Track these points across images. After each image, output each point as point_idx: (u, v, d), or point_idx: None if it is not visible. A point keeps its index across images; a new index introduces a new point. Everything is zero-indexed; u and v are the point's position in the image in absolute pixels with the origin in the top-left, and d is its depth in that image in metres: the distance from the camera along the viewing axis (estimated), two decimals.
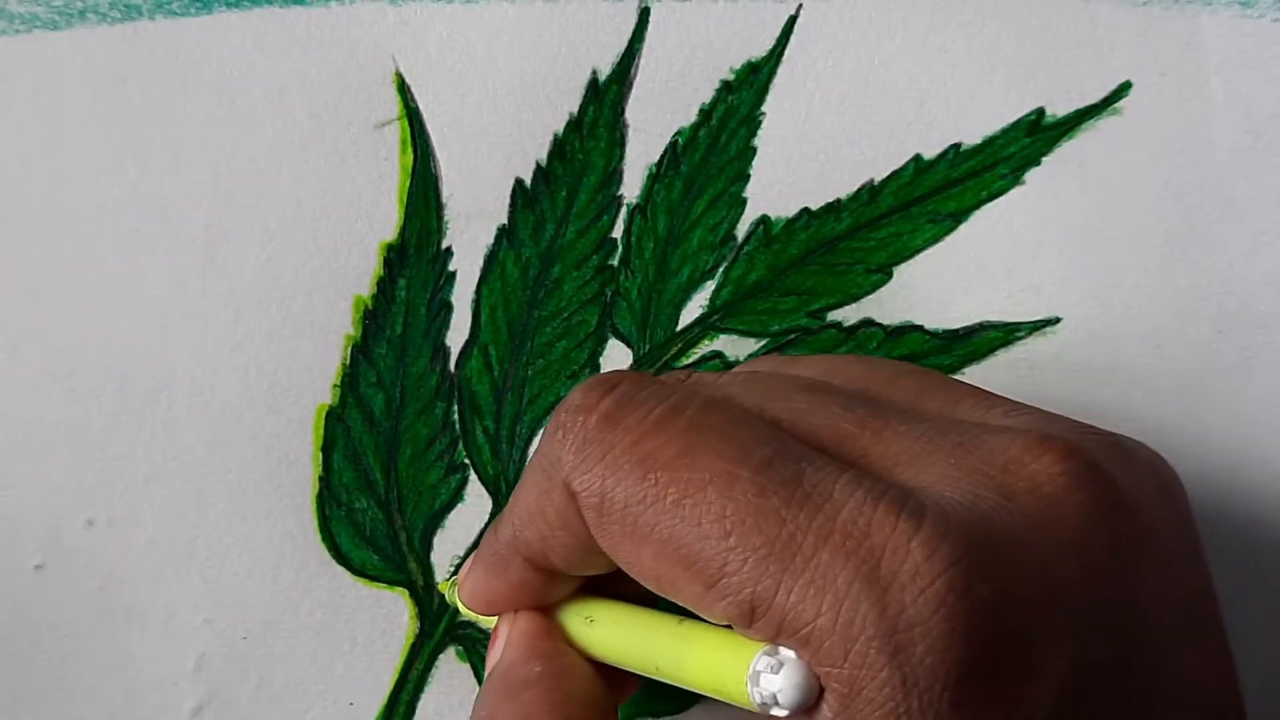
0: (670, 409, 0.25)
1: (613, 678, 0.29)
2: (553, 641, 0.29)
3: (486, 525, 0.34)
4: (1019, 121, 0.34)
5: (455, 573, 0.34)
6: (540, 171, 0.34)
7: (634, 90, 0.34)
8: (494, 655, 0.30)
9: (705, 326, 0.34)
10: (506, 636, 0.29)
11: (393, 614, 0.34)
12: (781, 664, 0.23)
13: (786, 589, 0.23)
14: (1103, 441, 0.26)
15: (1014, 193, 0.34)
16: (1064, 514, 0.24)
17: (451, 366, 0.34)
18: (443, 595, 0.34)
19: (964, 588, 0.22)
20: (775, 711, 0.24)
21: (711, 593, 0.24)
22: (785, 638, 0.23)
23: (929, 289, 0.34)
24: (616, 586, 0.29)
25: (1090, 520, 0.24)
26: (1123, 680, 0.24)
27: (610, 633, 0.28)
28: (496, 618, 0.31)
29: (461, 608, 0.32)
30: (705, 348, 0.34)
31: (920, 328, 0.34)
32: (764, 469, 0.24)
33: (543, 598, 0.29)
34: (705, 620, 0.26)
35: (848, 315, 0.34)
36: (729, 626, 0.25)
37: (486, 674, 0.30)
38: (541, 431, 0.28)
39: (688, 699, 0.34)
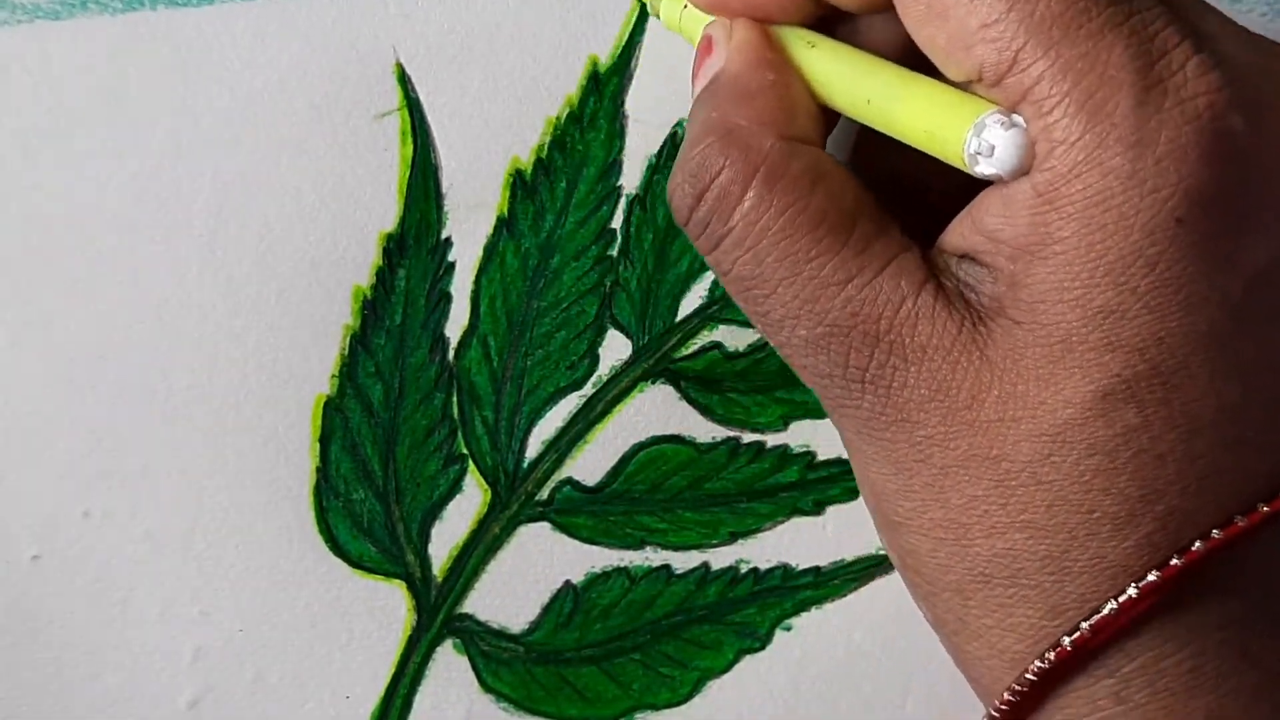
0: None
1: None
2: (778, 55, 0.28)
3: (484, 517, 0.34)
4: None
5: None
6: (540, 163, 0.34)
7: (634, 82, 0.34)
8: (713, 61, 0.29)
9: (704, 317, 0.34)
10: (727, 44, 0.29)
11: (390, 606, 0.34)
12: (1012, 124, 0.23)
13: (1058, 53, 0.23)
14: None
15: None
16: None
17: (450, 357, 0.34)
18: (440, 584, 0.34)
19: (1221, 113, 0.23)
20: (982, 166, 0.24)
21: (980, 32, 0.24)
22: (1029, 102, 0.23)
23: None
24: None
25: None
26: None
27: (830, 58, 0.28)
28: (701, 26, 0.30)
29: (666, 11, 0.31)
30: (705, 338, 0.34)
31: None
32: None
33: (779, 7, 0.28)
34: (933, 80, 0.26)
35: None
36: (962, 87, 0.25)
37: (701, 82, 0.29)
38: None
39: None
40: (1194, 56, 0.23)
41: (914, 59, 0.26)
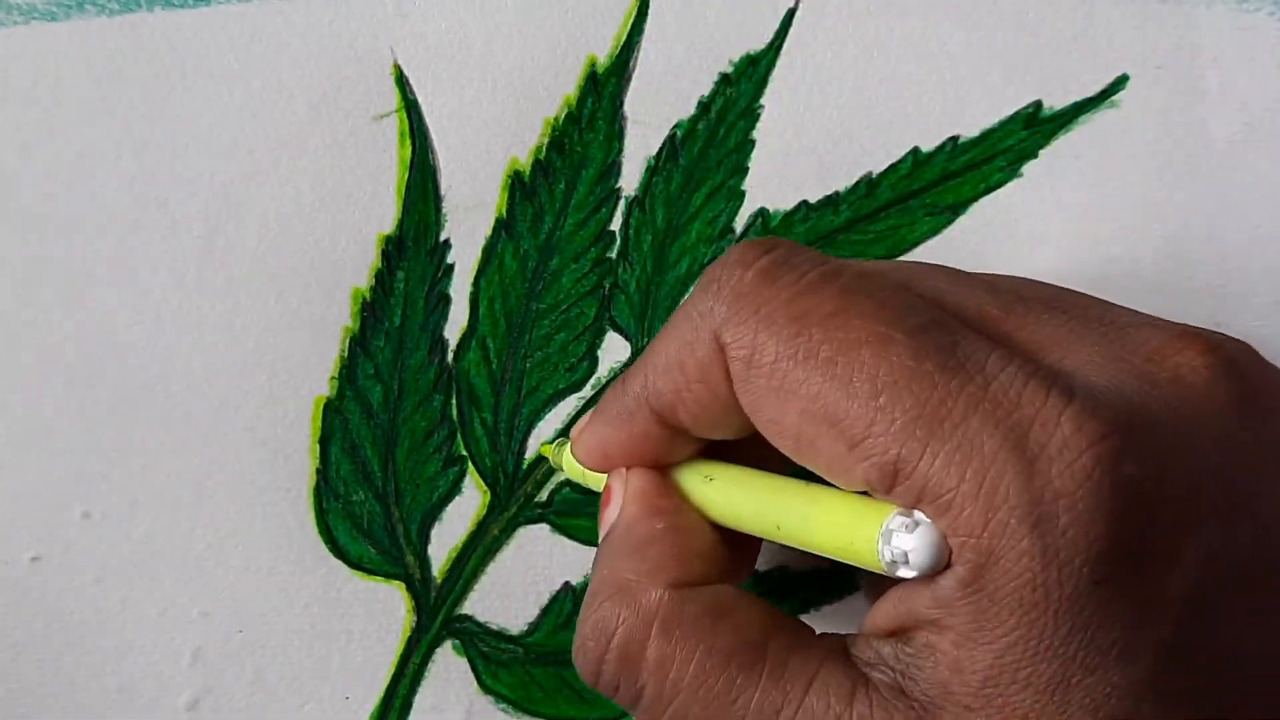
0: (826, 272, 0.25)
1: (730, 552, 0.29)
2: (672, 499, 0.29)
3: (483, 519, 0.34)
4: (1016, 114, 0.34)
5: (556, 439, 0.34)
6: (539, 164, 0.34)
7: (633, 83, 0.34)
8: (610, 514, 0.29)
9: None
10: (623, 494, 0.29)
11: (389, 607, 0.34)
12: (916, 524, 0.23)
13: (933, 453, 0.23)
14: (1239, 344, 0.26)
15: (1011, 185, 0.34)
16: (1207, 405, 0.24)
17: (450, 359, 0.34)
18: (439, 586, 0.34)
19: (1111, 464, 0.23)
20: (902, 571, 0.24)
21: (854, 452, 0.24)
22: (924, 504, 0.23)
23: None
24: (734, 456, 0.29)
25: (1231, 413, 0.24)
26: (1256, 573, 0.24)
27: (730, 491, 0.28)
28: (604, 477, 0.30)
29: (567, 467, 0.32)
30: None
31: None
32: (918, 334, 0.24)
33: (662, 456, 0.29)
34: (833, 487, 0.26)
35: None
36: (862, 494, 0.25)
37: (603, 533, 0.29)
38: (687, 294, 0.27)
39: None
40: (1065, 411, 0.23)
41: None
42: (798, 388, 0.24)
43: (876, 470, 0.24)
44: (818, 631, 0.27)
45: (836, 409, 0.24)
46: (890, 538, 0.24)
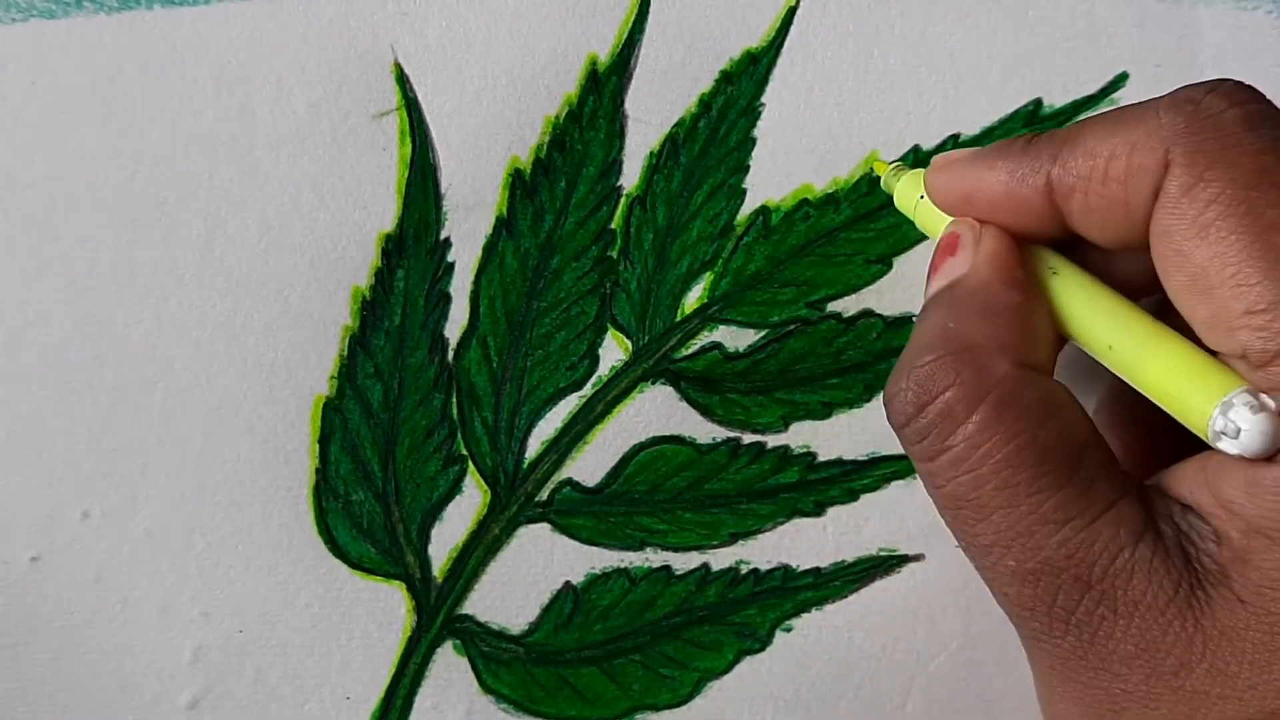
0: None
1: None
2: (1027, 275, 0.27)
3: (484, 518, 0.34)
4: (1016, 112, 0.34)
5: (894, 162, 0.32)
6: (539, 162, 0.34)
7: (633, 81, 0.34)
8: (955, 265, 0.28)
9: (704, 317, 0.34)
10: (974, 250, 0.28)
11: (390, 607, 0.34)
12: (1262, 407, 0.23)
13: None
14: None
15: None
16: None
17: (450, 358, 0.34)
18: (440, 585, 0.34)
19: None
20: (1224, 444, 0.23)
21: (1247, 317, 0.23)
22: None
23: None
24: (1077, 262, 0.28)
25: None
26: None
27: (1072, 292, 0.27)
28: (942, 220, 0.29)
29: (901, 194, 0.30)
30: (705, 338, 0.34)
31: None
32: None
33: (1022, 228, 0.27)
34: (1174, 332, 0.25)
35: (847, 306, 0.34)
36: (1213, 355, 0.24)
37: (941, 281, 0.28)
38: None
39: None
40: None
41: (1158, 299, 0.26)
42: (1225, 233, 0.24)
43: (1260, 343, 0.23)
44: None
45: (1254, 270, 0.23)
46: (1229, 409, 0.23)
